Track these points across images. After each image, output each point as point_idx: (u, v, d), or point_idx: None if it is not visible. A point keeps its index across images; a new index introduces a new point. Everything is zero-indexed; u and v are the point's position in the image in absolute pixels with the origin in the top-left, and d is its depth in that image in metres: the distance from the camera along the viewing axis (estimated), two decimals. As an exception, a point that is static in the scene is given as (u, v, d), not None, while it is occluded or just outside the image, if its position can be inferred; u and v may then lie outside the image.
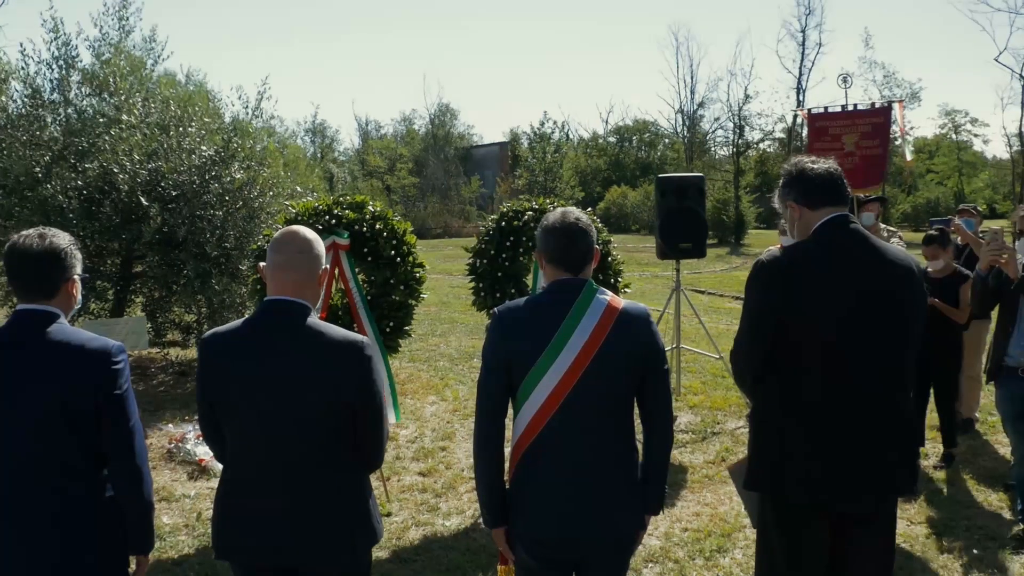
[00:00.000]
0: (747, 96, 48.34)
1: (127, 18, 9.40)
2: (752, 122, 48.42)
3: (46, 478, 2.58)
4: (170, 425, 7.48)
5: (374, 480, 6.27)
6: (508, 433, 2.78)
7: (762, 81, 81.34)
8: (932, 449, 6.72)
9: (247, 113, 9.62)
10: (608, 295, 2.78)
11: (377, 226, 6.06)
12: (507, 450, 2.81)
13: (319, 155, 54.73)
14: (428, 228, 45.89)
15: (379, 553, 5.05)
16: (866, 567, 2.90)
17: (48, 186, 8.19)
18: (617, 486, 2.75)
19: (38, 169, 8.34)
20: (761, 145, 49.70)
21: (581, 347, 2.67)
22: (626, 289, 6.59)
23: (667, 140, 58.86)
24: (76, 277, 2.73)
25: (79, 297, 2.79)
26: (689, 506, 5.72)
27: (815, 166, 2.96)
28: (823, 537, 2.88)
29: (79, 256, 2.75)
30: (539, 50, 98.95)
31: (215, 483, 6.23)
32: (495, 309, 2.86)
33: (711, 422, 7.75)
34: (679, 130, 54.65)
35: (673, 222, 7.80)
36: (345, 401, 2.62)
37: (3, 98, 8.64)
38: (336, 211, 6.02)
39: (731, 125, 47.68)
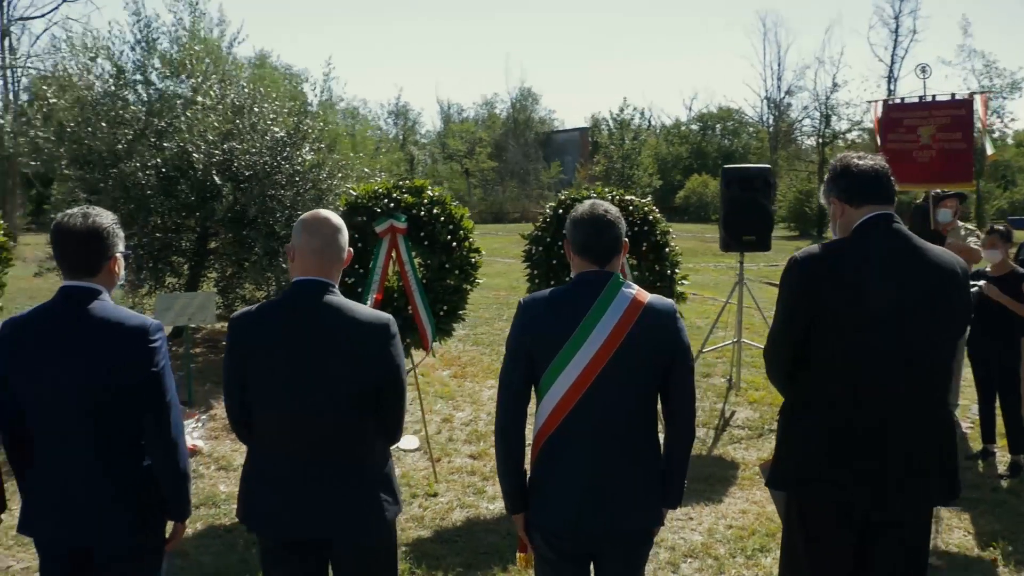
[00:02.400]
0: (835, 85, 46.95)
1: (198, 3, 9.71)
2: (839, 112, 46.93)
3: (88, 446, 2.69)
4: (235, 398, 7.72)
5: (424, 461, 6.38)
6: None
7: (851, 69, 78.60)
8: (1000, 457, 6.48)
9: (316, 95, 9.84)
10: (634, 289, 2.77)
11: (435, 211, 6.13)
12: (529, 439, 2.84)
13: (401, 137, 55.35)
14: (506, 212, 46.03)
15: (422, 532, 5.15)
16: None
17: (129, 163, 8.53)
18: (635, 480, 2.74)
19: (120, 146, 8.68)
20: (850, 135, 48.20)
21: (603, 340, 2.67)
22: (683, 281, 6.52)
23: (751, 129, 57.58)
24: (118, 255, 2.83)
25: (122, 274, 2.90)
26: (736, 503, 5.65)
27: (860, 162, 2.88)
28: (848, 541, 2.81)
29: (121, 234, 2.85)
30: (624, 34, 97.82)
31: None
32: (520, 299, 2.88)
33: (770, 419, 7.62)
34: (764, 118, 53.43)
35: (737, 214, 7.68)
36: (371, 377, 2.71)
37: (91, 76, 9.02)
38: (395, 195, 6.11)
39: (818, 114, 46.38)
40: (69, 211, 2.79)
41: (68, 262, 2.75)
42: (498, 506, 5.57)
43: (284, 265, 8.82)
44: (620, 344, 2.67)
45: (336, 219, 2.81)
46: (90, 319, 2.69)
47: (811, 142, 50.51)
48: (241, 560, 4.75)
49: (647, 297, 2.76)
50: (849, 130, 47.03)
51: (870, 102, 9.07)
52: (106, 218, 2.79)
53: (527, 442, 2.83)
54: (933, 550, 4.84)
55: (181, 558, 4.74)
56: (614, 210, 2.83)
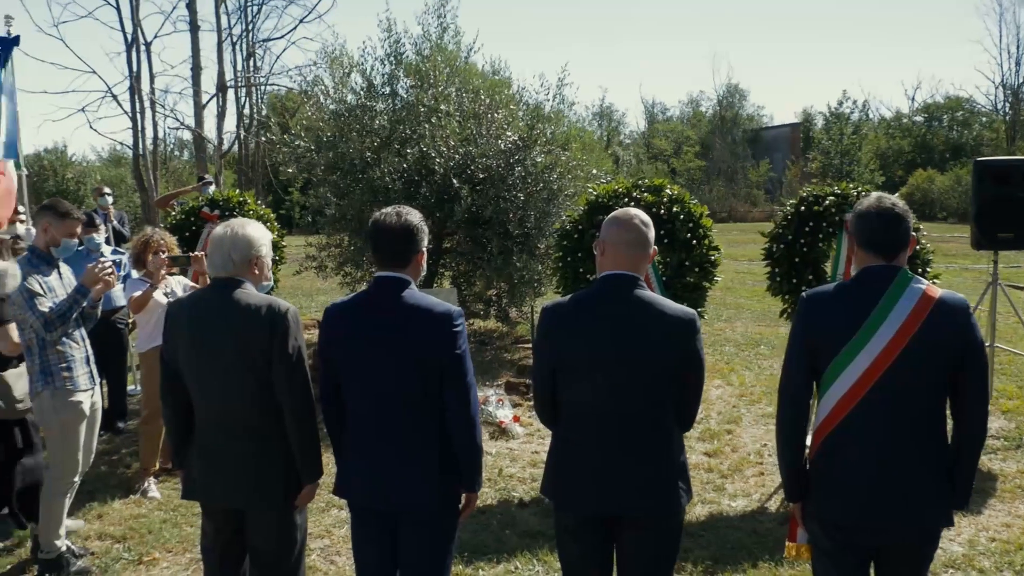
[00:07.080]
0: (1086, 64, 42.28)
1: (445, 15, 10.31)
2: (1092, 94, 42.19)
3: (398, 419, 3.01)
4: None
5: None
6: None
7: (1107, 48, 70.04)
8: None
9: (549, 100, 10.20)
10: (924, 284, 2.74)
11: (674, 208, 6.23)
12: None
13: (606, 138, 55.53)
14: (713, 212, 45.02)
15: (666, 524, 5.25)
16: None
17: (377, 169, 9.21)
18: (923, 477, 2.72)
19: (369, 154, 9.40)
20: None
21: (892, 336, 2.67)
22: (935, 280, 6.22)
23: (985, 119, 52.93)
24: (424, 250, 3.13)
25: (425, 267, 3.20)
26: (997, 516, 5.33)
27: None
28: None
29: (426, 231, 3.14)
30: (838, 22, 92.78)
31: (513, 444, 6.81)
32: (803, 292, 2.92)
33: (1028, 429, 7.10)
34: (1000, 107, 48.98)
35: (993, 210, 7.19)
36: (677, 366, 2.86)
37: (345, 90, 9.84)
38: (635, 194, 6.27)
39: (1066, 99, 41.93)
40: (385, 210, 3.10)
41: (382, 254, 3.07)
42: (740, 504, 5.57)
43: (517, 264, 9.22)
44: (909, 340, 2.66)
45: (644, 216, 2.97)
46: (402, 305, 3.00)
47: (1058, 131, 45.82)
48: (497, 539, 5.05)
49: (938, 292, 2.73)
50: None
51: None
52: (415, 216, 3.09)
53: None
54: None
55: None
56: (901, 203, 2.82)
